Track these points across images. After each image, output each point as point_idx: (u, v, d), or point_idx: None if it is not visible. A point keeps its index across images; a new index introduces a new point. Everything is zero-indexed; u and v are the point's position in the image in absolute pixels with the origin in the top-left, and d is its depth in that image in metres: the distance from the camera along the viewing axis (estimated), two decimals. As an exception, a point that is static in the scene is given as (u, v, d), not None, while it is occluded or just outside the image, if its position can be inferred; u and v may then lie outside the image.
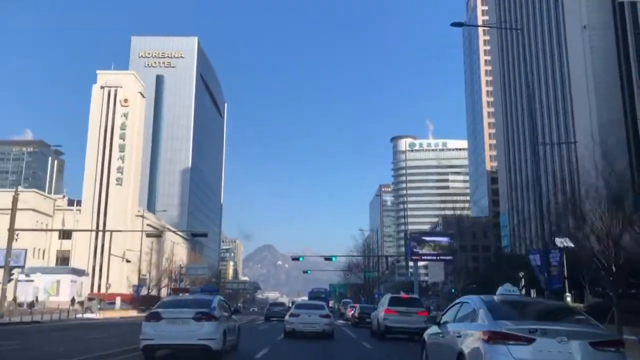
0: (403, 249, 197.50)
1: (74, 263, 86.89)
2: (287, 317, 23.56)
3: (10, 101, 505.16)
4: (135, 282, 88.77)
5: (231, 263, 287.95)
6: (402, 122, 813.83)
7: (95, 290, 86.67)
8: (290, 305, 58.98)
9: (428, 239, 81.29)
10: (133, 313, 59.57)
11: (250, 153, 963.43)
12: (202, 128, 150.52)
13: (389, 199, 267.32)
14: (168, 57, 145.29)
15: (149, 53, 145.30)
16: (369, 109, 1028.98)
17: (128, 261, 62.19)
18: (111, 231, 67.29)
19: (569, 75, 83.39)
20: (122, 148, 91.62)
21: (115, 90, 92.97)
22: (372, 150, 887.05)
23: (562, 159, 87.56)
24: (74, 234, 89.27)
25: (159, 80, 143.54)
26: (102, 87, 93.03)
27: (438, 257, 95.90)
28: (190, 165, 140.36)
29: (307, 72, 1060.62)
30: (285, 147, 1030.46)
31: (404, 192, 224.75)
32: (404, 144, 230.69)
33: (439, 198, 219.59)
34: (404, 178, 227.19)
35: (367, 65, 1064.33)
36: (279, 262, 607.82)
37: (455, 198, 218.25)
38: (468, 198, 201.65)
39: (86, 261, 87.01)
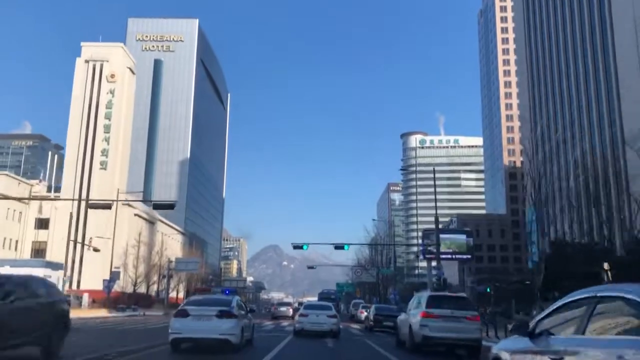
0: (413, 249, 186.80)
1: (51, 256, 76.16)
2: (296, 317, 25.05)
3: (7, 93, 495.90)
4: (120, 277, 78.06)
5: (235, 262, 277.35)
6: (412, 118, 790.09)
7: (75, 286, 76.08)
8: (297, 305, 57.81)
9: (444, 236, 72.83)
10: (102, 313, 48.84)
11: (255, 148, 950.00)
12: (203, 117, 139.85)
13: (397, 198, 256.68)
14: (167, 40, 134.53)
15: (146, 36, 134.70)
16: (378, 103, 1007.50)
17: (96, 250, 51.31)
18: (56, 199, 56.40)
19: (614, 51, 72.56)
20: (107, 128, 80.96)
21: (101, 65, 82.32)
22: (381, 148, 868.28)
23: (604, 142, 76.30)
24: (52, 223, 78.79)
25: (157, 64, 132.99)
26: (86, 61, 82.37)
27: (454, 256, 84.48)
28: (189, 155, 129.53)
29: (314, 65, 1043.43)
30: (291, 144, 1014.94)
31: (414, 190, 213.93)
32: (414, 140, 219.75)
33: (450, 197, 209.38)
34: (413, 176, 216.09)
35: (376, 57, 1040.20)
36: (285, 263, 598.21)
37: (467, 197, 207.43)
38: (483, 197, 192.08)
39: (65, 253, 76.18)
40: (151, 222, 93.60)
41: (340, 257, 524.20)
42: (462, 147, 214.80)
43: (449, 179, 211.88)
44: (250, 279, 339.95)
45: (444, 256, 65.59)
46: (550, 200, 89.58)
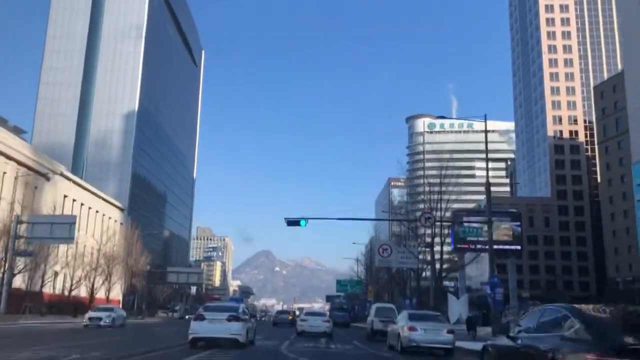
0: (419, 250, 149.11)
1: None
2: (298, 322, 29.65)
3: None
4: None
5: (219, 264, 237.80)
6: (419, 100, 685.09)
7: None
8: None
9: (476, 220, 51.32)
10: None
11: (243, 143, 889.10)
12: (159, 62, 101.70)
13: (398, 193, 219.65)
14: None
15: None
16: (380, 81, 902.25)
17: None
18: None
19: None
20: None
21: None
22: (384, 138, 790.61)
23: None
24: None
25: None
26: None
27: (499, 247, 53.71)
28: (136, 107, 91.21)
29: (306, 35, 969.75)
30: (282, 139, 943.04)
31: (421, 181, 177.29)
32: (421, 124, 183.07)
33: (462, 188, 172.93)
34: (421, 165, 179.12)
35: (377, 27, 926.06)
36: (277, 269, 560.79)
37: (483, 189, 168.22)
38: (502, 189, 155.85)
39: None
40: (40, 174, 54.92)
41: (333, 264, 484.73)
42: (476, 131, 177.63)
43: (461, 168, 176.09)
44: (237, 283, 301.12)
45: (479, 247, 48.05)
46: None
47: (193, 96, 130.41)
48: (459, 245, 55.96)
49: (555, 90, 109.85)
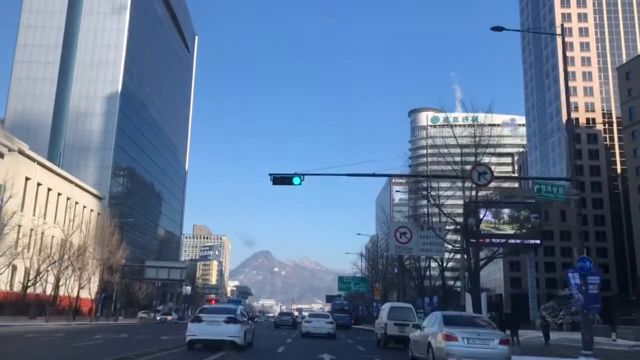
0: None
1: None
2: (303, 323, 31.39)
3: None
4: None
5: (215, 263, 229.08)
6: (420, 92, 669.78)
7: None
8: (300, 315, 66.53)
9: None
10: None
11: (240, 138, 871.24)
12: (147, 44, 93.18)
13: (399, 193, 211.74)
14: None
15: None
16: (380, 81, 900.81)
17: None
18: None
19: None
20: None
21: None
22: (384, 137, 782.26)
23: None
24: None
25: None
26: None
27: (516, 242, 46.29)
28: (120, 88, 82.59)
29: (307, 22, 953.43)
30: (280, 131, 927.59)
31: (425, 175, 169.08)
32: (424, 117, 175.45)
33: (465, 185, 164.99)
34: (424, 160, 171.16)
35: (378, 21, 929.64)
36: (276, 269, 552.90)
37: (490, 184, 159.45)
38: (515, 184, 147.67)
39: None
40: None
41: (333, 264, 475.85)
42: (483, 125, 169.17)
43: (464, 163, 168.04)
44: (234, 283, 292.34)
45: (495, 241, 36.36)
46: None
47: (185, 82, 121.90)
48: (471, 240, 48.94)
49: (570, 76, 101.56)
